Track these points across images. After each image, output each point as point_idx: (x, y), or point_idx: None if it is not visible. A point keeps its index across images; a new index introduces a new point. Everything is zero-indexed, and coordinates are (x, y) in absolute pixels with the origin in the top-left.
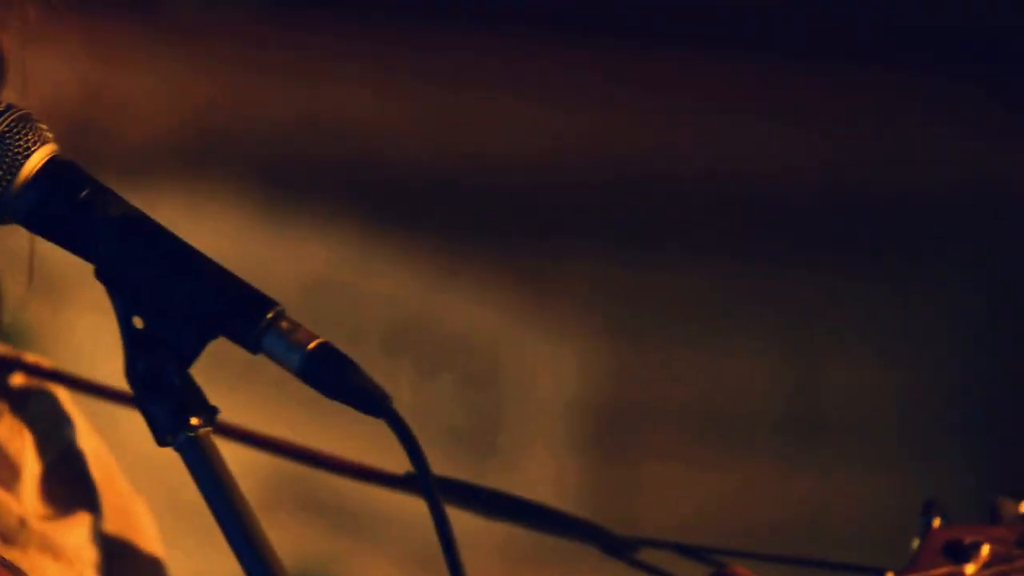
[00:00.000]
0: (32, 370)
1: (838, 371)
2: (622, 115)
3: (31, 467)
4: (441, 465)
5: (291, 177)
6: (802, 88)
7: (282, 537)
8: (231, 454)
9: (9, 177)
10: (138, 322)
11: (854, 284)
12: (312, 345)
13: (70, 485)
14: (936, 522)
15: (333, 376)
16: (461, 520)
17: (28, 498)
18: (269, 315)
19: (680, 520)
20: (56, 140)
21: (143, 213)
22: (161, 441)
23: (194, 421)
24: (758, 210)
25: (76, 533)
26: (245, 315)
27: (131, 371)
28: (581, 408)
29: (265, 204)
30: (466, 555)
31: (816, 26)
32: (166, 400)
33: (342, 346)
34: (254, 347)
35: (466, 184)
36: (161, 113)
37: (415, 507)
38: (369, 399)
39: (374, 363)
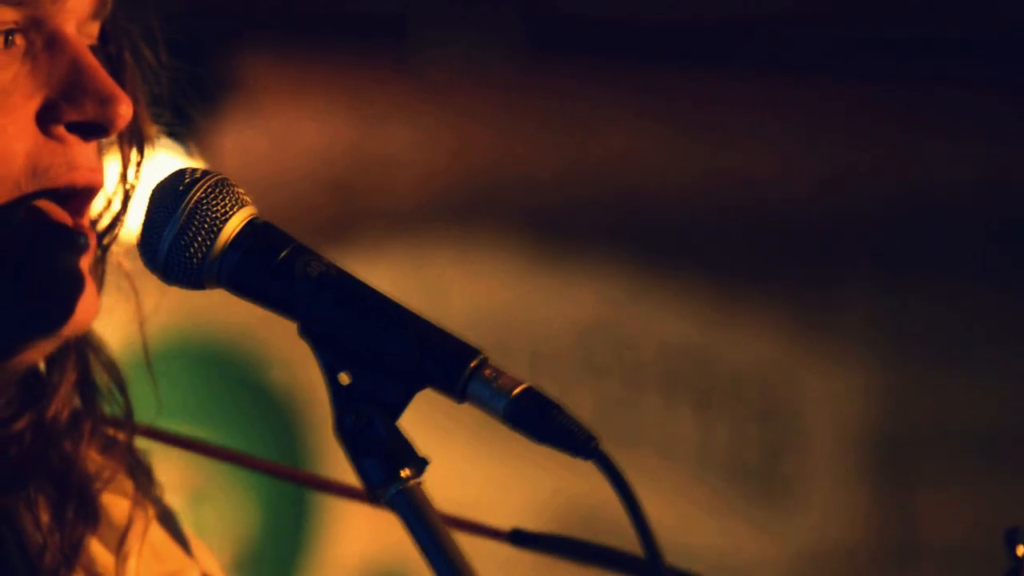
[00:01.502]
0: (144, 431)
1: None
2: (896, 146)
3: (136, 527)
4: (726, 499)
5: (560, 223)
6: None
7: None
8: (496, 503)
9: (209, 242)
10: (344, 378)
11: None
12: (516, 391)
13: (172, 542)
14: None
15: (539, 420)
16: None
17: (132, 560)
18: (473, 363)
19: (963, 542)
20: (317, 200)
21: (343, 271)
22: (373, 496)
23: (404, 473)
24: None
25: None
26: (449, 365)
27: (340, 426)
28: (861, 437)
29: (535, 251)
30: None
31: None
32: (376, 454)
33: (618, 388)
34: (460, 396)
35: (736, 221)
36: (427, 167)
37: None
38: (576, 441)
39: (653, 402)
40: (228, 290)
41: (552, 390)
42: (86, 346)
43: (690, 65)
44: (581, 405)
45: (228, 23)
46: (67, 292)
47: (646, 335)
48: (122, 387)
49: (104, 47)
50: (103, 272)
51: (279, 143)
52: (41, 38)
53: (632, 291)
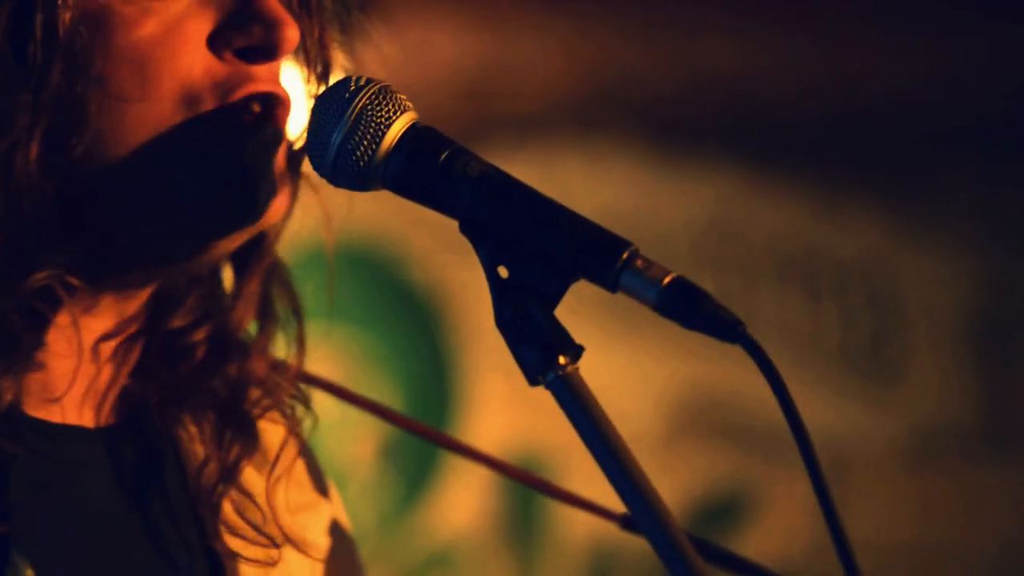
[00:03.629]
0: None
1: None
2: (998, 40)
3: (287, 455)
4: (832, 382)
5: (678, 127)
6: None
7: (694, 463)
8: (631, 391)
9: (374, 146)
10: (503, 271)
11: None
12: (667, 280)
13: (312, 477)
14: None
15: (689, 307)
16: None
17: (280, 487)
18: (624, 255)
19: None
20: (450, 106)
21: (500, 169)
22: (533, 381)
23: (562, 360)
24: None
25: (318, 526)
26: (603, 256)
27: (500, 317)
28: (964, 320)
29: (655, 154)
30: None
31: None
32: (535, 342)
33: (735, 279)
34: (613, 286)
35: (840, 116)
36: (554, 75)
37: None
38: (725, 326)
39: (766, 293)
40: (393, 191)
41: None
42: (273, 267)
43: None
44: None
45: None
46: (261, 184)
47: (758, 230)
48: (299, 315)
49: None
50: (298, 177)
51: (413, 53)
52: None
53: (745, 190)
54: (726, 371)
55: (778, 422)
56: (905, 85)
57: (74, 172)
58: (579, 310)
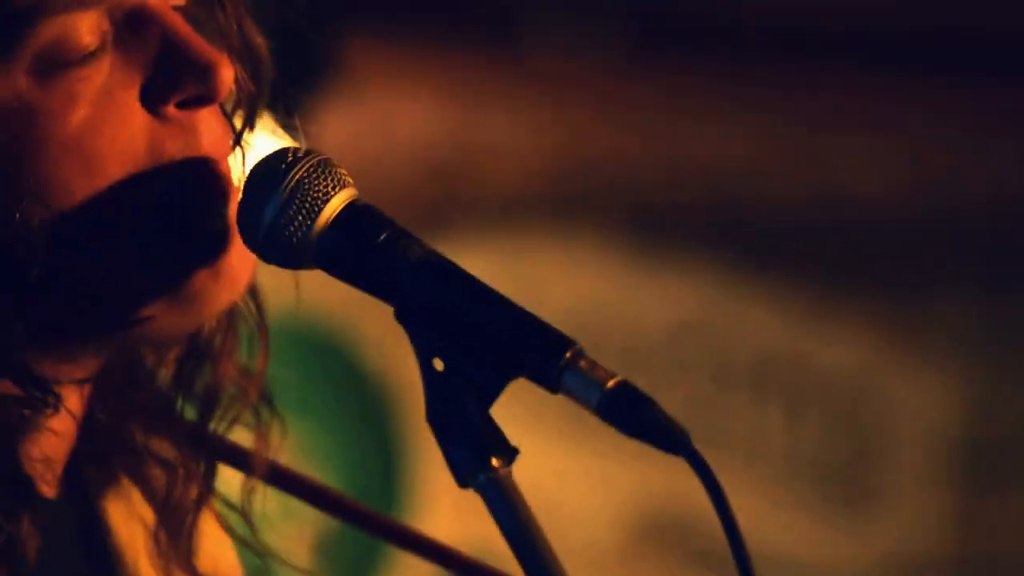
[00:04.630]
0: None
1: None
2: (996, 148)
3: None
4: (811, 502)
5: (660, 221)
6: None
7: None
8: (590, 498)
9: (309, 222)
10: (438, 364)
11: None
12: (611, 383)
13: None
14: None
15: (632, 414)
16: None
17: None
18: (568, 354)
19: None
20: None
21: (442, 255)
22: (462, 482)
23: (495, 462)
24: None
25: None
26: (545, 354)
27: (432, 412)
28: (950, 443)
29: (634, 248)
30: None
31: None
32: (466, 441)
33: (710, 386)
34: (554, 386)
35: (832, 224)
36: (529, 157)
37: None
38: (669, 437)
39: (742, 403)
40: (326, 270)
41: (643, 386)
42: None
43: (798, 68)
44: (670, 403)
45: (332, 3)
46: (218, 245)
47: (738, 335)
48: (260, 308)
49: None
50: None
51: (381, 126)
52: (126, 20)
53: (726, 291)
54: (692, 484)
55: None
56: (902, 191)
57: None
58: (538, 409)
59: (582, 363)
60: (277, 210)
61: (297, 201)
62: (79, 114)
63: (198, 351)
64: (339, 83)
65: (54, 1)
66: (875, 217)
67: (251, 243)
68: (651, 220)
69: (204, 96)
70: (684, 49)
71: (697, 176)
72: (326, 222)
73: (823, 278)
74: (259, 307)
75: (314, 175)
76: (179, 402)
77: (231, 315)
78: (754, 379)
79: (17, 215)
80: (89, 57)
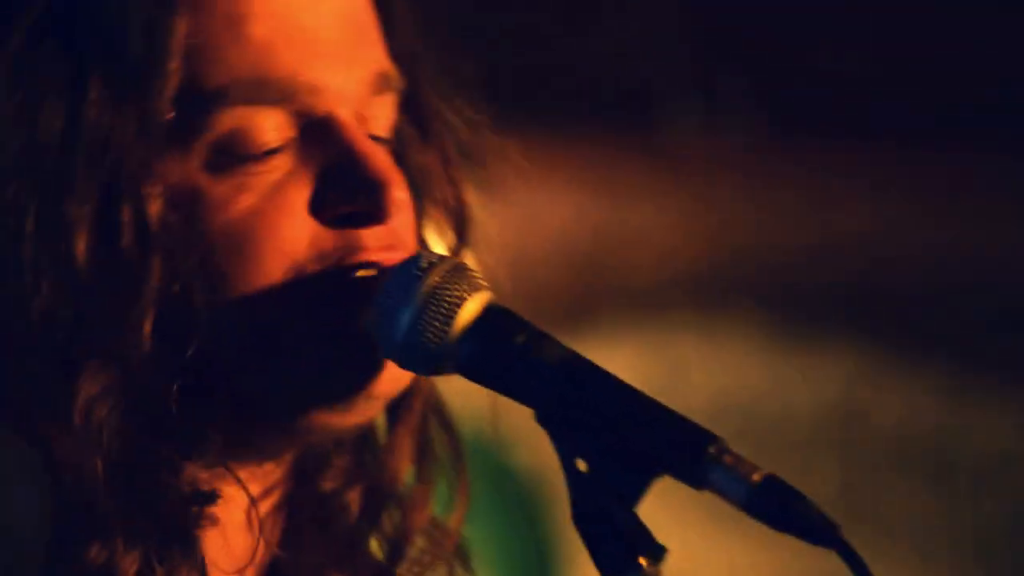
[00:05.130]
0: None
1: None
2: None
3: None
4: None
5: (801, 302)
6: None
7: None
8: None
9: (446, 328)
10: (581, 465)
11: None
12: (757, 478)
13: None
14: None
15: (781, 509)
16: None
17: None
18: (711, 449)
19: None
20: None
21: (580, 355)
22: None
23: (643, 561)
24: None
25: None
26: (688, 451)
27: (577, 514)
28: None
29: (777, 332)
30: None
31: None
32: (614, 541)
33: (860, 469)
34: (699, 483)
35: (979, 300)
36: (670, 246)
37: None
38: (819, 531)
39: (893, 484)
40: (465, 375)
41: (793, 472)
42: (429, 409)
43: (934, 143)
44: (823, 487)
45: (472, 98)
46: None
47: (886, 415)
48: (460, 458)
49: (409, 116)
50: None
51: (523, 221)
52: (312, 128)
53: (873, 369)
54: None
55: None
56: None
57: (186, 361)
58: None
59: (727, 459)
60: (413, 316)
61: (433, 307)
62: (244, 204)
63: (381, 499)
64: (480, 178)
65: (241, 90)
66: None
67: (389, 349)
68: (793, 303)
69: (372, 213)
70: (814, 131)
71: (838, 255)
72: (463, 328)
73: (970, 356)
74: (457, 450)
75: (449, 279)
76: (369, 539)
77: (423, 452)
78: (905, 459)
79: (179, 291)
80: (268, 154)
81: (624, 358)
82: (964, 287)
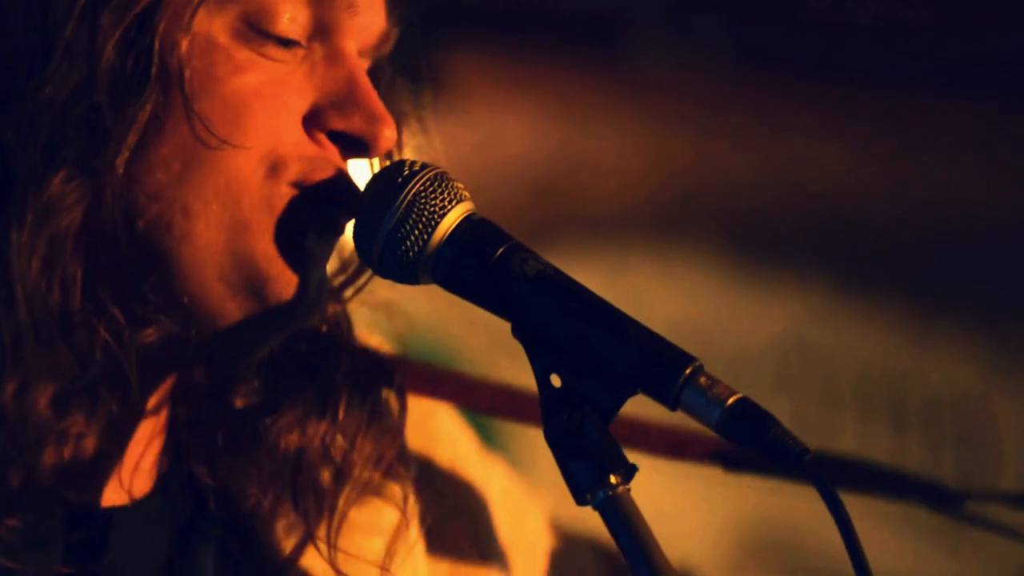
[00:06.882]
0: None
1: None
2: None
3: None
4: (913, 523)
5: (762, 238)
6: None
7: None
8: (692, 517)
9: (425, 236)
10: (556, 380)
11: None
12: (731, 400)
13: None
14: None
15: (752, 430)
16: None
17: None
18: (688, 370)
19: None
20: (527, 198)
21: (559, 270)
22: (580, 499)
23: (613, 479)
24: None
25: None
26: (664, 371)
27: (550, 430)
28: None
29: (737, 265)
30: None
31: None
32: (586, 458)
33: (813, 405)
34: (673, 403)
35: (940, 240)
36: (631, 173)
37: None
38: (788, 453)
39: (847, 423)
40: (442, 285)
41: None
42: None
43: (902, 83)
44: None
45: (435, 19)
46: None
47: (843, 356)
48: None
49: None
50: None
51: (484, 143)
52: (323, 48)
53: (832, 309)
54: (799, 504)
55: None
56: (1013, 212)
57: (145, 210)
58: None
59: (702, 380)
60: (394, 223)
61: (414, 215)
62: (253, 78)
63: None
64: (442, 99)
65: None
66: (982, 238)
67: (366, 256)
68: (755, 239)
69: (364, 141)
70: (780, 66)
71: (793, 190)
72: (442, 236)
73: (927, 298)
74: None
75: (431, 188)
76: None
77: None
78: (860, 399)
79: (171, 131)
80: (281, 42)
81: (581, 282)
82: (924, 230)
